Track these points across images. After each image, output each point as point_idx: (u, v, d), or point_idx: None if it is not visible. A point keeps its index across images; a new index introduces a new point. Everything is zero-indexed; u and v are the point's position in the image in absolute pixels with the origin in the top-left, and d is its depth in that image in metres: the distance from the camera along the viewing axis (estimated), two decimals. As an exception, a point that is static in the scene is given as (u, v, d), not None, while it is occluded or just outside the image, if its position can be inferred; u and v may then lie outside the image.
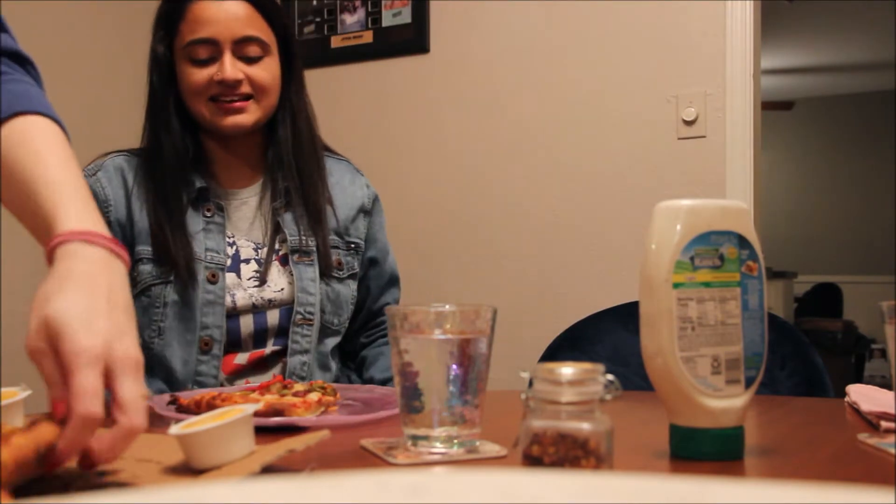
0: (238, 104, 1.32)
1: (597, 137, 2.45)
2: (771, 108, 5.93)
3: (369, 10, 2.74)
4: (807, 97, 7.50)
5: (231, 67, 1.30)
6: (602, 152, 2.44)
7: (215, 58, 1.31)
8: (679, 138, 2.34)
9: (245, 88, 1.32)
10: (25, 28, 2.61)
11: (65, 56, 2.71)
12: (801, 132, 7.65)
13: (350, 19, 2.77)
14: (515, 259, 2.54)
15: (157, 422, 0.95)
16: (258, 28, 1.33)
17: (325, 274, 1.39)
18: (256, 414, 0.81)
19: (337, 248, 1.42)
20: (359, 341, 1.51)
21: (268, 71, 1.34)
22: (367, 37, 2.75)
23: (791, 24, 5.61)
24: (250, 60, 1.32)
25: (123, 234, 1.33)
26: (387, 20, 2.72)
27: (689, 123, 2.32)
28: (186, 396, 0.96)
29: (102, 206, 1.33)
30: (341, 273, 1.42)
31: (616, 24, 2.42)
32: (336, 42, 2.79)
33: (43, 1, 2.63)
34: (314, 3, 2.80)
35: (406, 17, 2.69)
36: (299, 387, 1.01)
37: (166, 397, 0.99)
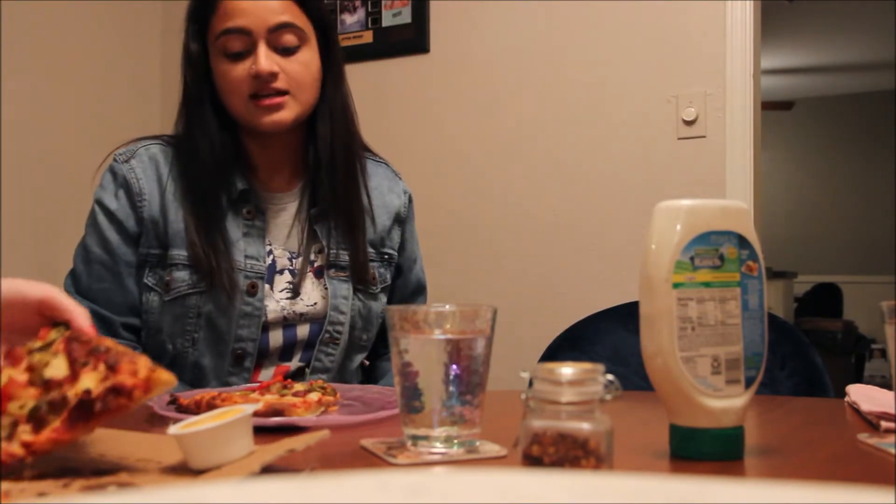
0: (276, 100, 1.24)
1: (597, 137, 2.45)
2: (771, 108, 5.93)
3: (369, 10, 2.74)
4: (807, 97, 7.50)
5: (266, 59, 1.22)
6: (602, 152, 2.44)
7: (250, 51, 1.24)
8: (679, 138, 2.34)
9: (281, 83, 1.24)
10: (27, 27, 2.61)
11: (67, 55, 2.70)
12: (801, 132, 7.65)
13: (350, 19, 2.77)
14: (515, 259, 2.54)
15: (157, 422, 0.95)
16: (293, 16, 1.25)
17: (359, 289, 1.33)
18: (256, 414, 0.81)
19: (372, 260, 1.36)
20: (375, 352, 1.45)
21: (304, 64, 1.26)
22: (367, 37, 2.75)
23: (791, 24, 5.61)
24: (286, 51, 1.25)
25: (157, 232, 1.26)
26: (387, 20, 2.72)
27: (689, 123, 2.32)
28: (186, 396, 0.96)
29: (136, 199, 1.27)
30: (374, 288, 1.36)
31: (616, 24, 2.42)
32: (336, 42, 2.79)
33: (44, 1, 2.63)
34: (314, 3, 2.80)
35: (406, 17, 2.69)
36: (299, 387, 1.00)
37: (166, 397, 0.99)
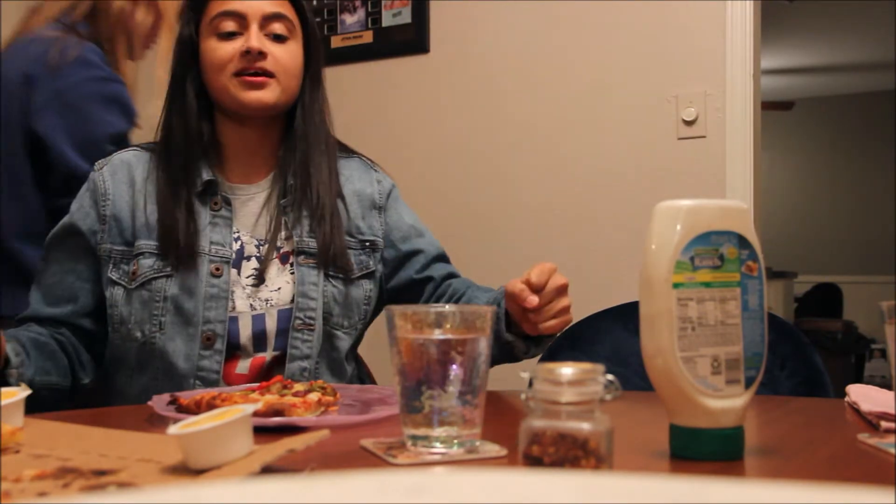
0: (261, 79, 1.31)
1: (597, 137, 2.45)
2: (771, 108, 5.93)
3: (369, 10, 2.74)
4: (807, 97, 7.50)
5: (257, 39, 1.31)
6: (602, 152, 2.44)
7: (241, 32, 1.32)
8: (679, 138, 2.34)
9: (268, 65, 1.32)
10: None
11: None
12: (801, 132, 7.65)
13: (350, 19, 2.78)
14: (515, 259, 2.54)
15: (157, 422, 0.95)
16: (287, 10, 1.35)
17: (332, 276, 1.35)
18: (256, 414, 0.81)
19: (350, 248, 1.38)
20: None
21: (291, 53, 1.35)
22: (367, 37, 2.75)
23: (791, 24, 5.61)
24: (276, 38, 1.33)
25: (119, 228, 1.31)
26: (387, 20, 2.72)
27: (689, 123, 2.32)
28: (186, 396, 0.96)
29: (101, 198, 1.33)
30: (351, 274, 1.37)
31: (616, 24, 2.42)
32: (336, 42, 2.79)
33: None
34: (314, 3, 2.80)
35: (406, 17, 2.69)
36: (299, 387, 1.01)
37: (166, 397, 0.99)
